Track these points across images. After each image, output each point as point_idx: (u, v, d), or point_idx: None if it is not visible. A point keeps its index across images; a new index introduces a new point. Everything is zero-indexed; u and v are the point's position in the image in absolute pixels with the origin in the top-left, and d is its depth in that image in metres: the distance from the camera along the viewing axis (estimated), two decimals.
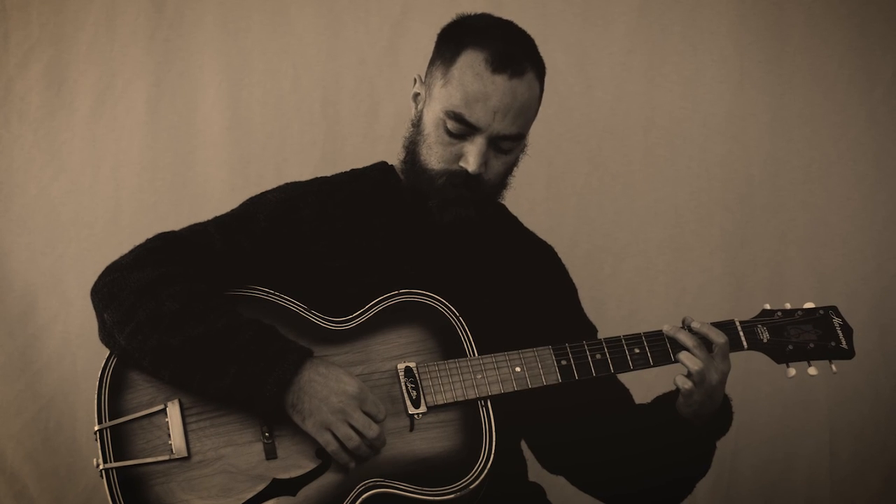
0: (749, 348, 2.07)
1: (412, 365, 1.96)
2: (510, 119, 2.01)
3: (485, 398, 1.95)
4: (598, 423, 2.13)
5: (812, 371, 2.09)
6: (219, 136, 2.94)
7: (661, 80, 3.03)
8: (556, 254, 2.30)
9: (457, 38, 2.05)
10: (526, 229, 2.29)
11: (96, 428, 1.87)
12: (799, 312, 2.12)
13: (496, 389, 1.96)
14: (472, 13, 2.12)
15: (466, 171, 2.02)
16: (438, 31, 2.12)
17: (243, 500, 1.84)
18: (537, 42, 2.09)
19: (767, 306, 2.13)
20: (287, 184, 2.17)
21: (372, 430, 1.85)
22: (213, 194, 2.91)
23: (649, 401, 2.14)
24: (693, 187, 3.04)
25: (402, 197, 2.15)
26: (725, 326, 2.05)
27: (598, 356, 2.00)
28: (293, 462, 1.88)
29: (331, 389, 1.85)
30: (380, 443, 1.87)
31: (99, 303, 1.95)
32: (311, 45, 2.96)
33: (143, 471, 1.85)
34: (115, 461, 1.84)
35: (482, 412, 1.94)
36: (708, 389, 1.97)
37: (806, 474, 3.03)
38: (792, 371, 2.10)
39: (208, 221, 2.08)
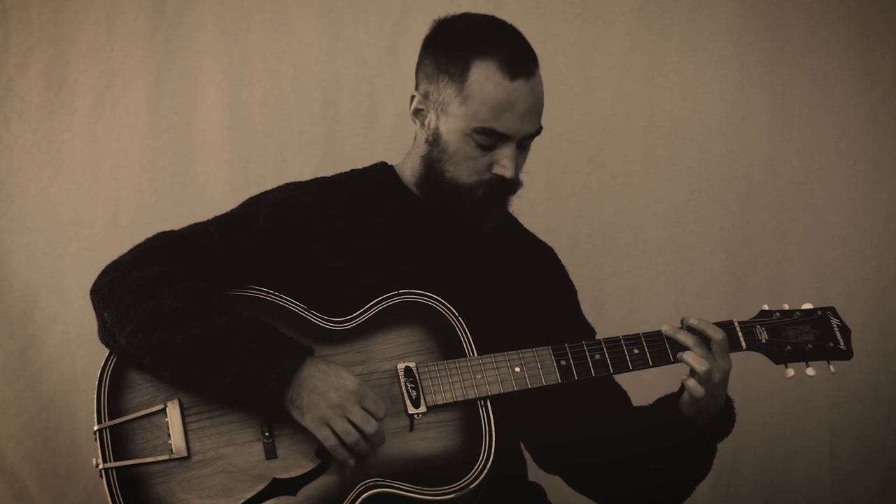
0: (748, 349, 2.07)
1: (412, 365, 1.96)
2: (535, 118, 2.05)
3: (484, 398, 1.95)
4: (598, 423, 2.13)
5: (810, 372, 2.10)
6: (219, 136, 2.94)
7: (661, 80, 3.03)
8: (555, 255, 2.30)
9: (455, 49, 2.04)
10: (526, 230, 2.29)
11: (96, 428, 1.87)
12: (797, 313, 2.12)
13: (496, 389, 1.95)
14: (450, 15, 2.11)
15: (503, 178, 2.04)
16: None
17: (243, 500, 1.84)
18: (537, 42, 2.09)
19: (766, 307, 2.13)
20: (287, 184, 2.17)
21: (370, 426, 1.84)
22: (213, 194, 2.91)
23: (650, 402, 2.13)
24: (693, 187, 3.04)
25: (402, 197, 2.15)
26: (724, 327, 2.05)
27: (598, 356, 2.00)
28: (293, 462, 1.87)
29: (330, 385, 1.85)
30: (378, 440, 1.86)
31: (99, 302, 1.94)
32: (311, 45, 2.96)
33: (142, 470, 1.84)
34: (114, 461, 1.84)
35: (482, 412, 1.94)
36: (711, 389, 1.97)
37: (806, 474, 3.03)
38: (790, 371, 2.10)
39: (208, 221, 2.08)
